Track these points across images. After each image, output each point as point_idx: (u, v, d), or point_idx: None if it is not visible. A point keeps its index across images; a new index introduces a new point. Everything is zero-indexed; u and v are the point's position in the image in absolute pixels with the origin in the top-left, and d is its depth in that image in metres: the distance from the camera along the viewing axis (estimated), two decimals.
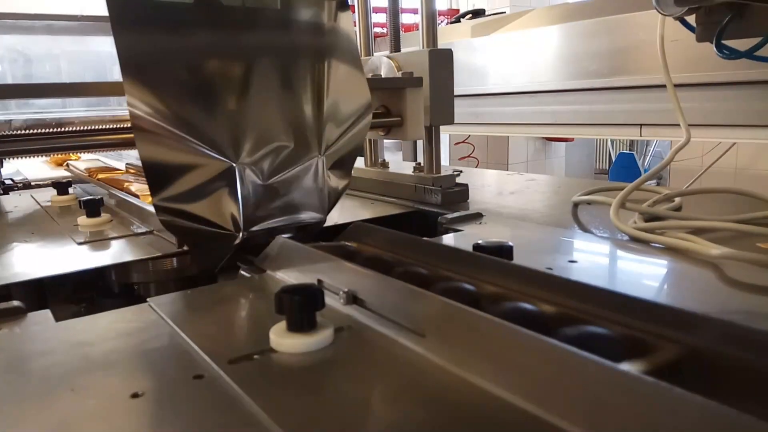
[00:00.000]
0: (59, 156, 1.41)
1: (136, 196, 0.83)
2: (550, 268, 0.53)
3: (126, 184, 0.93)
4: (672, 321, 0.32)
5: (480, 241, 0.50)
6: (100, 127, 0.62)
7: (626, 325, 0.33)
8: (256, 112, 0.59)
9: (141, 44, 0.54)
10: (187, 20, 0.56)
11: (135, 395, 0.32)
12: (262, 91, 0.60)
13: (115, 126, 0.63)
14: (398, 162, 1.03)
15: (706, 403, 0.23)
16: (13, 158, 0.57)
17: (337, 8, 0.65)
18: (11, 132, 0.58)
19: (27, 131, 0.58)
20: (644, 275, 0.55)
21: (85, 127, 0.61)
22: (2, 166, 1.23)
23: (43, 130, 0.59)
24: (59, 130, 0.60)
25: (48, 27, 1.97)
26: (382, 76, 0.89)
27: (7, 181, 1.24)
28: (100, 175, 1.08)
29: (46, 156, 0.66)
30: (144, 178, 0.94)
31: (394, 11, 0.95)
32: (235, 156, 0.57)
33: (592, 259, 0.60)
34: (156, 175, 0.54)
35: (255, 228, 0.59)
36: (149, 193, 0.55)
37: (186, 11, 0.57)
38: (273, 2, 0.62)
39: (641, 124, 1.36)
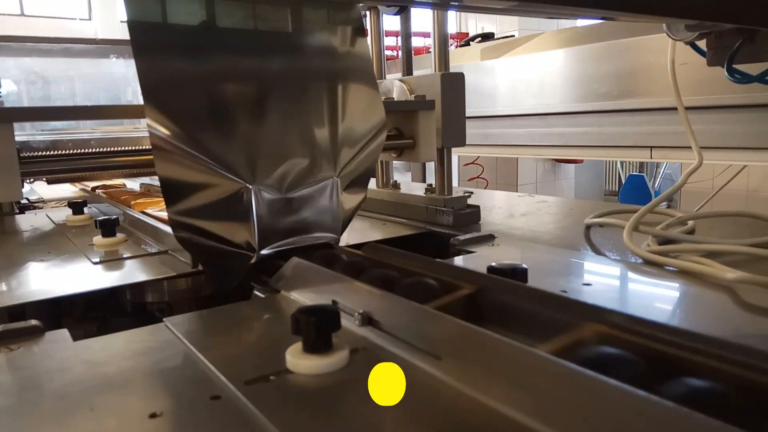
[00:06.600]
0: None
1: (152, 217, 0.84)
2: (565, 291, 0.53)
3: (141, 204, 0.94)
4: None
5: (494, 264, 0.50)
6: (120, 148, 0.63)
7: (652, 348, 0.33)
8: (272, 135, 0.60)
9: (161, 68, 0.55)
10: (204, 45, 0.58)
11: (153, 415, 0.33)
12: (278, 113, 0.61)
13: (134, 148, 0.64)
14: (407, 183, 1.03)
15: (726, 429, 0.23)
16: (35, 179, 0.58)
17: (352, 33, 0.66)
18: (32, 154, 0.59)
19: (48, 153, 0.59)
20: (659, 299, 0.55)
21: (106, 149, 0.62)
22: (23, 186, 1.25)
23: (64, 152, 0.60)
24: (80, 151, 0.61)
25: (65, 50, 2.02)
26: (395, 99, 0.90)
27: (23, 201, 1.25)
28: (115, 196, 1.09)
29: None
30: (159, 198, 0.95)
31: (406, 34, 0.96)
32: (250, 177, 0.58)
33: (606, 282, 0.60)
34: (172, 190, 0.55)
35: (270, 248, 0.59)
36: (164, 207, 0.55)
37: (203, 36, 0.58)
38: (284, 26, 0.63)
39: (651, 147, 1.36)
